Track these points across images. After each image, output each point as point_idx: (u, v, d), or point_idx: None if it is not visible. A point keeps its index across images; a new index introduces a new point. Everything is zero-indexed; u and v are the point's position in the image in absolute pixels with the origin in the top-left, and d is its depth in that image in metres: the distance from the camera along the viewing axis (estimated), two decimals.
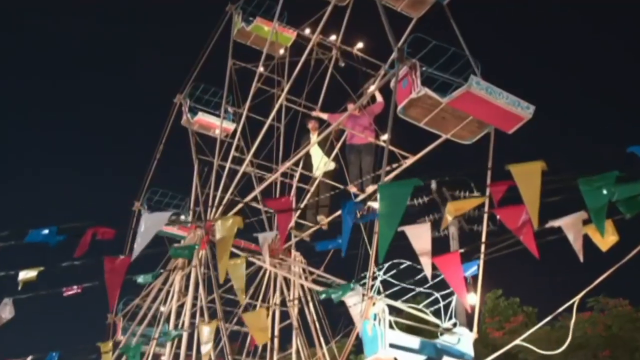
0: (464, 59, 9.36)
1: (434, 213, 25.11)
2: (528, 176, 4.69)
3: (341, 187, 11.99)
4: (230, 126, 16.32)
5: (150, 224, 5.74)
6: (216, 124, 15.81)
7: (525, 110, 8.33)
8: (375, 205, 10.60)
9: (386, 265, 8.00)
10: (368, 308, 7.59)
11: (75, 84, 60.41)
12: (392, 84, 9.12)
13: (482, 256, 9.33)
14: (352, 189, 11.57)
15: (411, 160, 10.84)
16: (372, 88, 11.36)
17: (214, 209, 13.33)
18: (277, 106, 13.15)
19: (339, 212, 12.30)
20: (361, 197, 11.51)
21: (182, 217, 17.37)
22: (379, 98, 11.79)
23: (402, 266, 8.08)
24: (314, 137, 12.67)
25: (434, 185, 23.55)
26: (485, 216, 9.98)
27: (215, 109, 16.91)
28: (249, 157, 13.31)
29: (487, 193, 9.96)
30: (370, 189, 11.27)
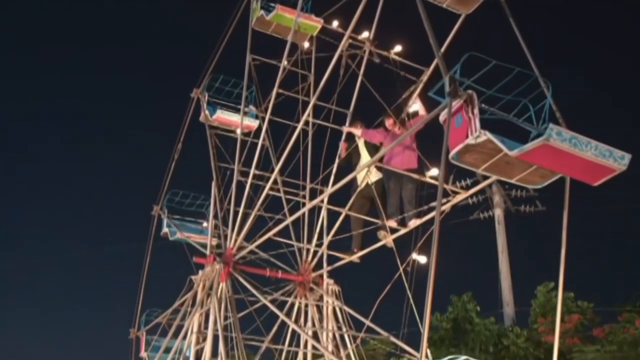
0: (532, 78, 7.44)
1: (479, 195, 23.48)
2: None
3: (377, 221, 10.24)
4: (253, 123, 14.70)
5: None
6: (237, 122, 14.07)
7: (618, 162, 6.44)
8: (422, 259, 8.99)
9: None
10: None
11: None
12: (441, 118, 7.29)
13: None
14: (391, 224, 9.84)
15: (462, 196, 9.07)
16: (414, 107, 9.49)
17: (234, 232, 11.76)
18: (306, 113, 11.32)
19: (373, 247, 10.72)
20: (402, 232, 9.82)
21: (205, 225, 15.91)
22: (422, 111, 9.95)
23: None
24: (363, 149, 10.80)
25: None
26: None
27: (236, 102, 15.25)
28: (275, 172, 11.58)
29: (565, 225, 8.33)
30: (413, 223, 9.55)
